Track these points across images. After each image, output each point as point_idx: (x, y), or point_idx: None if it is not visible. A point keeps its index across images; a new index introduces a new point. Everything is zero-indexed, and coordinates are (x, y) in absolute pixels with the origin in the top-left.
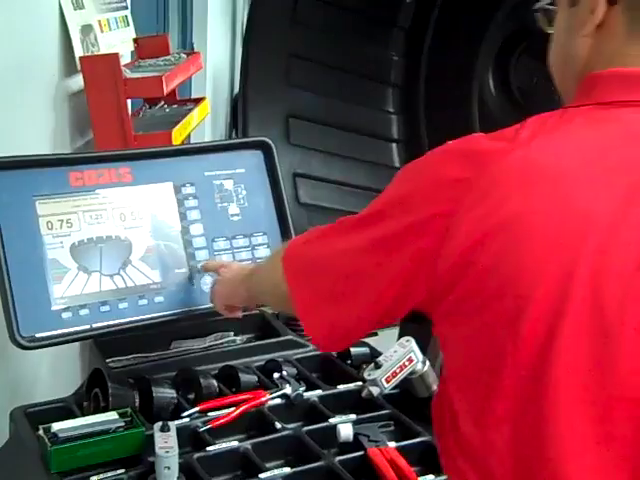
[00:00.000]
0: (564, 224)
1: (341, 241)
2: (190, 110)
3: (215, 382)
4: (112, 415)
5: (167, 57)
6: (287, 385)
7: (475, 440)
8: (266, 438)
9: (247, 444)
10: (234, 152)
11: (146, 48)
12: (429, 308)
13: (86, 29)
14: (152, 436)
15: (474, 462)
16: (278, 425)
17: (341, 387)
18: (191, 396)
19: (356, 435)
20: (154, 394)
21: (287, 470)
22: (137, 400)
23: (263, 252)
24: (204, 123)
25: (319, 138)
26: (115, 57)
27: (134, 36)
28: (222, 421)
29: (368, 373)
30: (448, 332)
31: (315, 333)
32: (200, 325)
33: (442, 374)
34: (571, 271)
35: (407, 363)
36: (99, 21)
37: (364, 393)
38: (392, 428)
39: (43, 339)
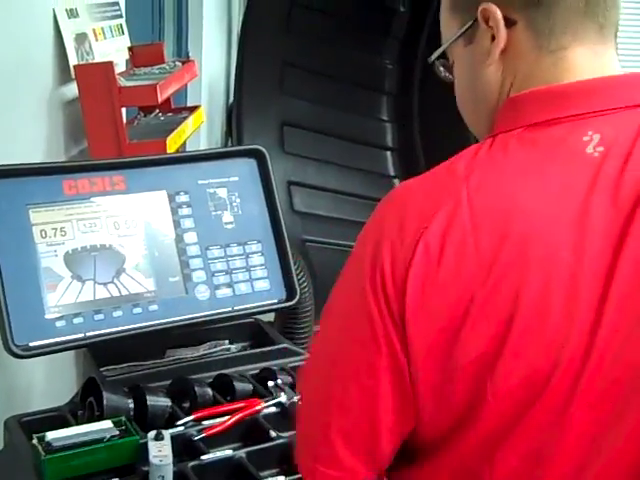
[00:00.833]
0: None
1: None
2: (185, 118)
3: (210, 390)
4: (106, 424)
5: (162, 65)
6: (282, 393)
7: None
8: (261, 447)
9: (242, 453)
10: (228, 160)
11: (141, 56)
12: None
13: (80, 37)
14: (146, 445)
15: None
16: (273, 434)
17: None
18: (186, 405)
19: None
20: (148, 402)
21: (282, 479)
22: (131, 409)
23: (257, 260)
24: (200, 131)
25: (314, 146)
26: (109, 65)
27: (129, 44)
28: (217, 430)
29: None
30: None
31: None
32: (195, 333)
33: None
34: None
35: None
36: (94, 29)
37: None
38: None
39: (37, 348)
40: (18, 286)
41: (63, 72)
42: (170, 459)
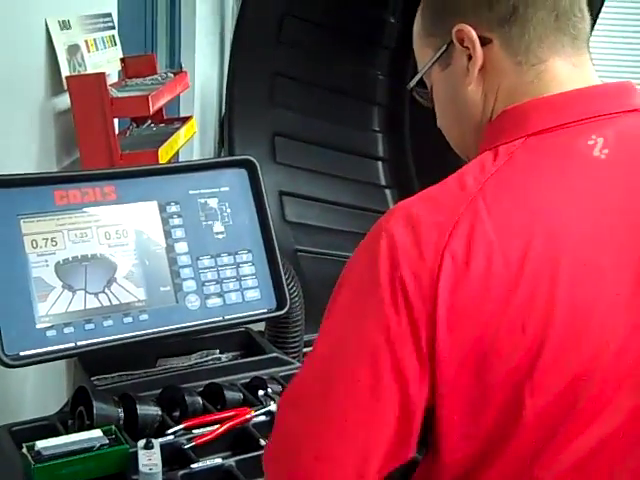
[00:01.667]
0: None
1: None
2: (177, 129)
3: (200, 399)
4: (96, 433)
5: (154, 76)
6: (272, 402)
7: None
8: (250, 455)
9: (231, 461)
10: (219, 171)
11: (133, 67)
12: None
13: (73, 49)
14: (136, 454)
15: None
16: (263, 442)
17: None
18: (176, 413)
19: None
20: (139, 412)
21: None
22: (122, 418)
23: (248, 270)
24: (192, 142)
25: (305, 157)
26: (101, 77)
27: (121, 56)
28: (206, 438)
29: None
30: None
31: None
32: (185, 343)
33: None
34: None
35: None
36: (86, 41)
37: None
38: None
39: (28, 357)
40: (9, 296)
41: (55, 83)
42: (159, 468)
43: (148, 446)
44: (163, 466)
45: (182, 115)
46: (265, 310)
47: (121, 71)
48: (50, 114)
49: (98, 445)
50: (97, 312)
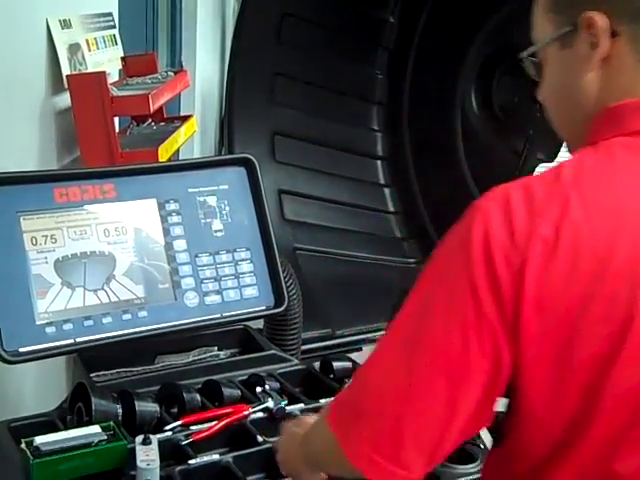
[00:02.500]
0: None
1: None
2: (177, 128)
3: (198, 396)
4: (94, 429)
5: (155, 75)
6: (269, 399)
7: None
8: (248, 451)
9: (229, 457)
10: (218, 169)
11: (134, 66)
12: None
13: (74, 48)
14: (134, 449)
15: None
16: (260, 439)
17: (323, 401)
18: (174, 410)
19: None
20: (137, 408)
21: None
22: (120, 414)
23: (246, 267)
24: (193, 140)
25: (304, 155)
26: (102, 75)
27: (122, 54)
28: (204, 434)
29: None
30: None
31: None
32: (184, 340)
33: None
34: None
35: None
36: (87, 40)
37: None
38: None
39: (27, 353)
40: (8, 292)
41: (56, 82)
42: (157, 463)
43: (146, 442)
44: (161, 462)
45: (182, 114)
46: (263, 307)
47: (122, 70)
48: (51, 112)
49: (96, 441)
50: (96, 309)
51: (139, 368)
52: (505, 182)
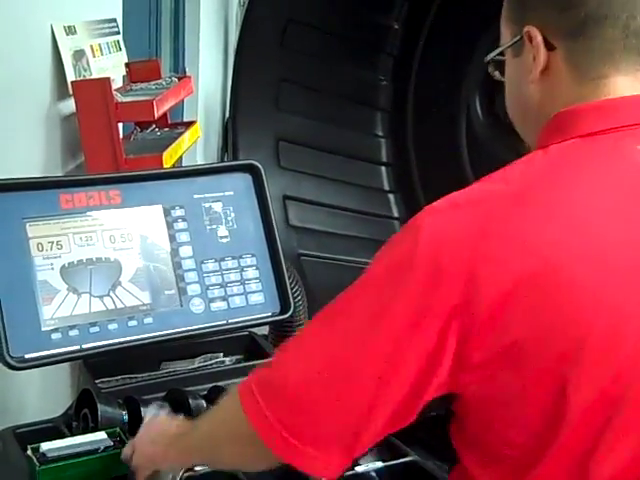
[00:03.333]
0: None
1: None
2: (181, 134)
3: (204, 402)
4: (101, 435)
5: (158, 81)
6: None
7: None
8: None
9: None
10: (223, 175)
11: (138, 72)
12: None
13: (78, 54)
14: None
15: None
16: None
17: None
18: (180, 416)
19: None
20: (143, 414)
21: None
22: (126, 420)
23: (252, 273)
24: (196, 146)
25: (309, 161)
26: (106, 81)
27: (126, 61)
28: None
29: None
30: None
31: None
32: (189, 346)
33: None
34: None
35: None
36: (91, 46)
37: None
38: (377, 447)
39: (33, 360)
40: (14, 298)
41: (60, 88)
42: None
43: None
44: None
45: (186, 120)
46: (269, 314)
47: (126, 76)
48: (55, 118)
49: (102, 447)
50: (102, 315)
51: (144, 374)
52: None
